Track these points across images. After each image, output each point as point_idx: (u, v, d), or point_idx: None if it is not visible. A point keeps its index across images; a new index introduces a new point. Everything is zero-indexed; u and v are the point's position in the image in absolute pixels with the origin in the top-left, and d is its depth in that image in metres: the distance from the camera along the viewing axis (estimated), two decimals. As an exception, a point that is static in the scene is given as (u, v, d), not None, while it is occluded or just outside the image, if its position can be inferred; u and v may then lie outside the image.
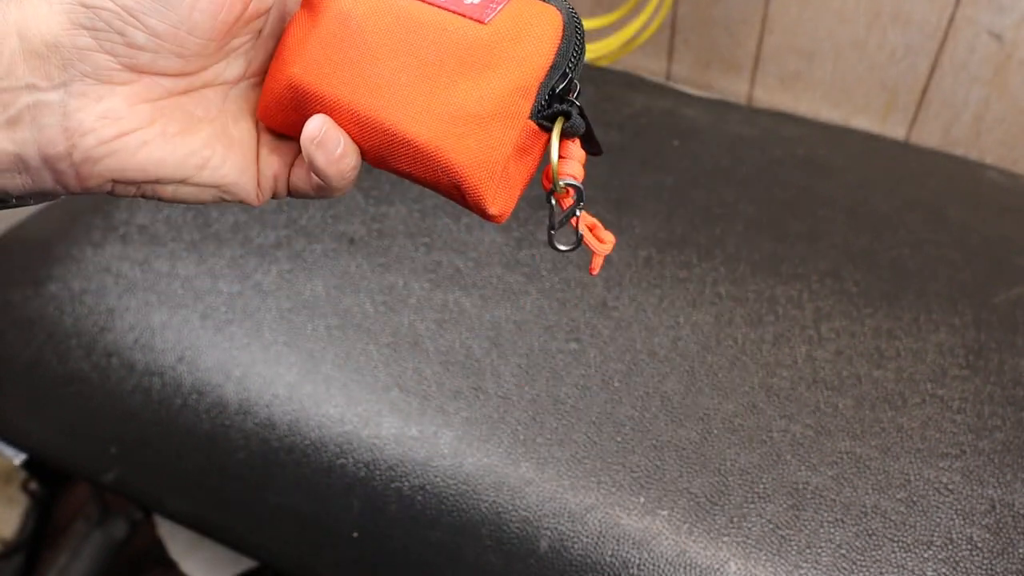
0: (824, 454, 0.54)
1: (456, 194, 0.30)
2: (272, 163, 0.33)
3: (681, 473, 0.53)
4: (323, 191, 0.32)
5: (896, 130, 1.00)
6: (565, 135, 0.30)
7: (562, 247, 0.31)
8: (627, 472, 0.54)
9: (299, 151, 0.33)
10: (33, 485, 0.88)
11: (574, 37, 0.30)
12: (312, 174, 0.32)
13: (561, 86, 0.29)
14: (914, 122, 0.98)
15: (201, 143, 0.30)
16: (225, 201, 0.32)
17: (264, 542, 0.60)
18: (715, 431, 0.55)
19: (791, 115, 0.81)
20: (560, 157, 0.30)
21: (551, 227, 0.31)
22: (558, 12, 0.30)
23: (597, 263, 0.32)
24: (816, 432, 0.55)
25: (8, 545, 0.95)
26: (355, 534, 0.56)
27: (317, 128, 0.29)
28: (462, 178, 0.29)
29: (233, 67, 0.32)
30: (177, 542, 0.91)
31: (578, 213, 0.31)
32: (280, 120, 0.32)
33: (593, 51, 1.05)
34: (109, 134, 0.27)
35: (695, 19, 1.02)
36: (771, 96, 1.05)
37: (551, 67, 0.29)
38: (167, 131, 0.28)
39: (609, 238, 0.32)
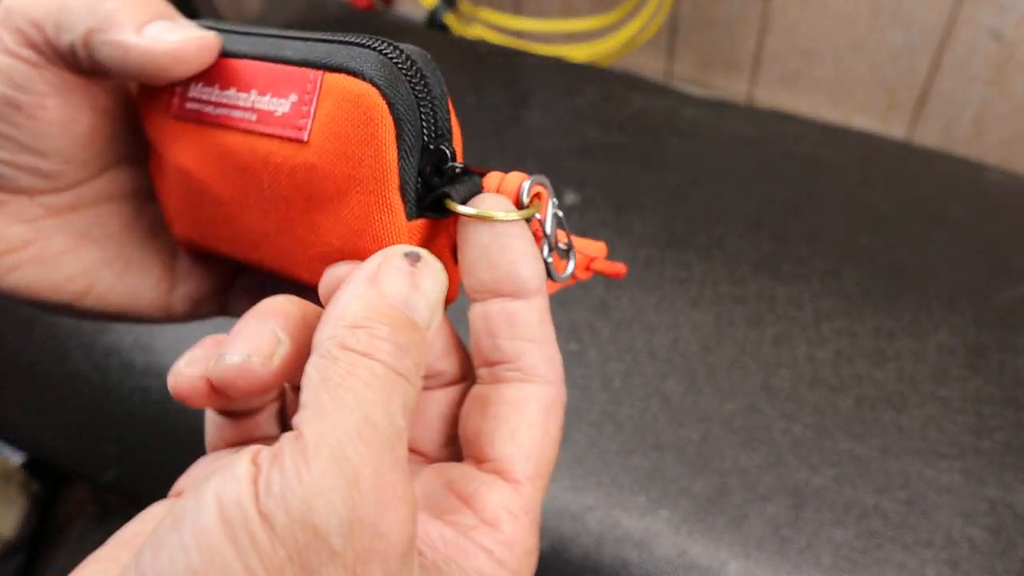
0: (824, 454, 0.54)
1: None
2: (190, 286, 0.30)
3: (681, 473, 0.53)
4: None
5: (896, 130, 1.00)
6: (460, 201, 0.24)
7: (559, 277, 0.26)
8: (627, 472, 0.54)
9: (233, 274, 0.30)
10: (33, 485, 0.88)
11: (416, 103, 0.23)
12: None
13: (436, 163, 0.24)
14: (914, 122, 0.98)
15: (83, 267, 0.28)
16: (135, 319, 0.29)
17: (264, 542, 0.60)
18: (715, 431, 0.55)
19: (791, 115, 0.81)
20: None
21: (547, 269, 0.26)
22: (374, 92, 0.23)
23: (607, 267, 0.28)
24: (816, 432, 0.55)
25: (8, 545, 0.95)
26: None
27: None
28: None
29: (127, 175, 0.29)
30: (177, 542, 0.91)
31: (549, 233, 0.25)
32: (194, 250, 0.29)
33: (593, 51, 1.05)
34: None
35: (695, 19, 1.02)
36: (771, 96, 1.05)
37: (399, 163, 0.23)
38: (43, 254, 0.27)
39: (597, 247, 0.28)
